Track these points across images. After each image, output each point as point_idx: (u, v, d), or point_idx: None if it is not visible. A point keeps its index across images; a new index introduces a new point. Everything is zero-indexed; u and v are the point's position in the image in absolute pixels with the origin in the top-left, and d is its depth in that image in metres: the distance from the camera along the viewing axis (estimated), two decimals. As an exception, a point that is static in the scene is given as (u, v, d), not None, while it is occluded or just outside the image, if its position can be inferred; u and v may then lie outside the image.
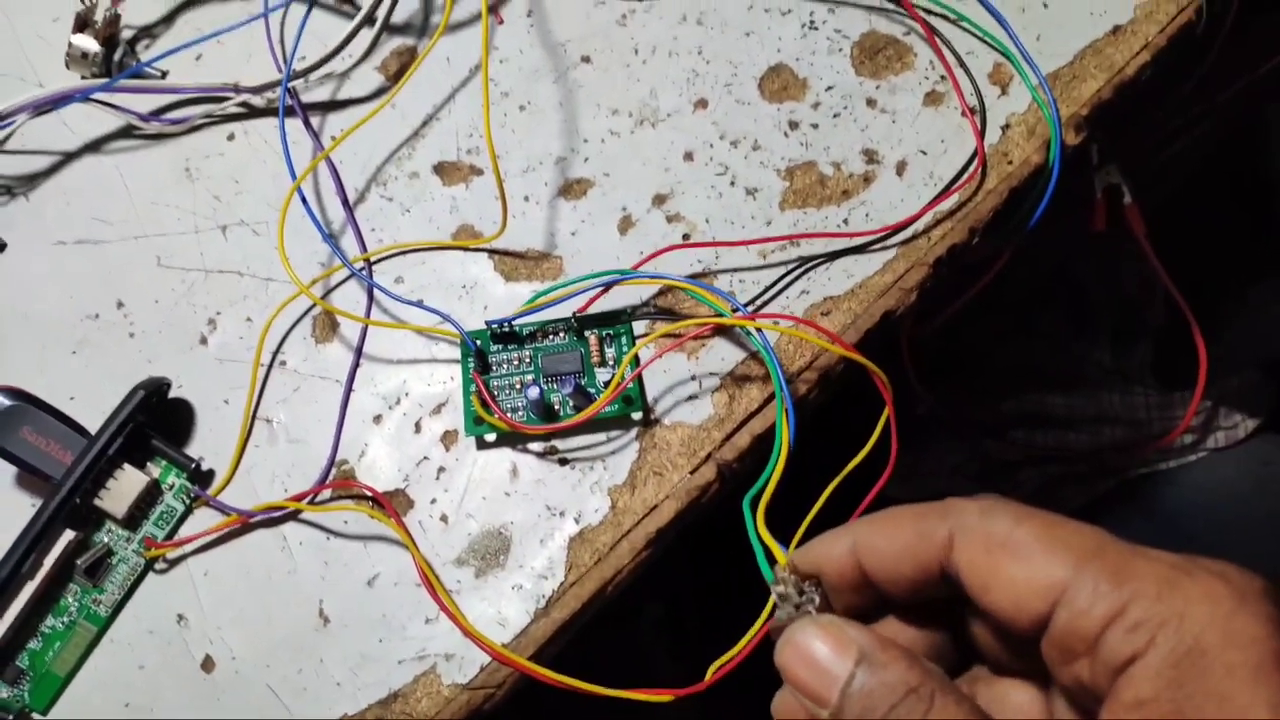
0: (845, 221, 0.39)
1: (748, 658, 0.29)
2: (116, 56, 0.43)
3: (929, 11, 0.42)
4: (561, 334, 0.38)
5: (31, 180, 0.43)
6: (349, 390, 0.38)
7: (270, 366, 0.39)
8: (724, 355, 0.37)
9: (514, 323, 0.37)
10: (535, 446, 0.37)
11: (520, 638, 0.34)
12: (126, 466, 0.36)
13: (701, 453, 0.36)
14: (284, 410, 0.38)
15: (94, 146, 0.43)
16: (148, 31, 0.46)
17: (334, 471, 0.37)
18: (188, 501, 0.37)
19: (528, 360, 0.37)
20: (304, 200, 0.40)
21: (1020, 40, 0.41)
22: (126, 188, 0.43)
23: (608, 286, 0.37)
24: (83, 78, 0.43)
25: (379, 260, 0.40)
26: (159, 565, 0.36)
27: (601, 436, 0.37)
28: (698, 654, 0.30)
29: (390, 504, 0.36)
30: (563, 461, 0.37)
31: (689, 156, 0.41)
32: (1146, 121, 0.56)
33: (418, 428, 0.38)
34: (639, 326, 0.38)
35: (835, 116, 0.41)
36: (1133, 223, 0.48)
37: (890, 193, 0.39)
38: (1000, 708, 0.24)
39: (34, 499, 0.37)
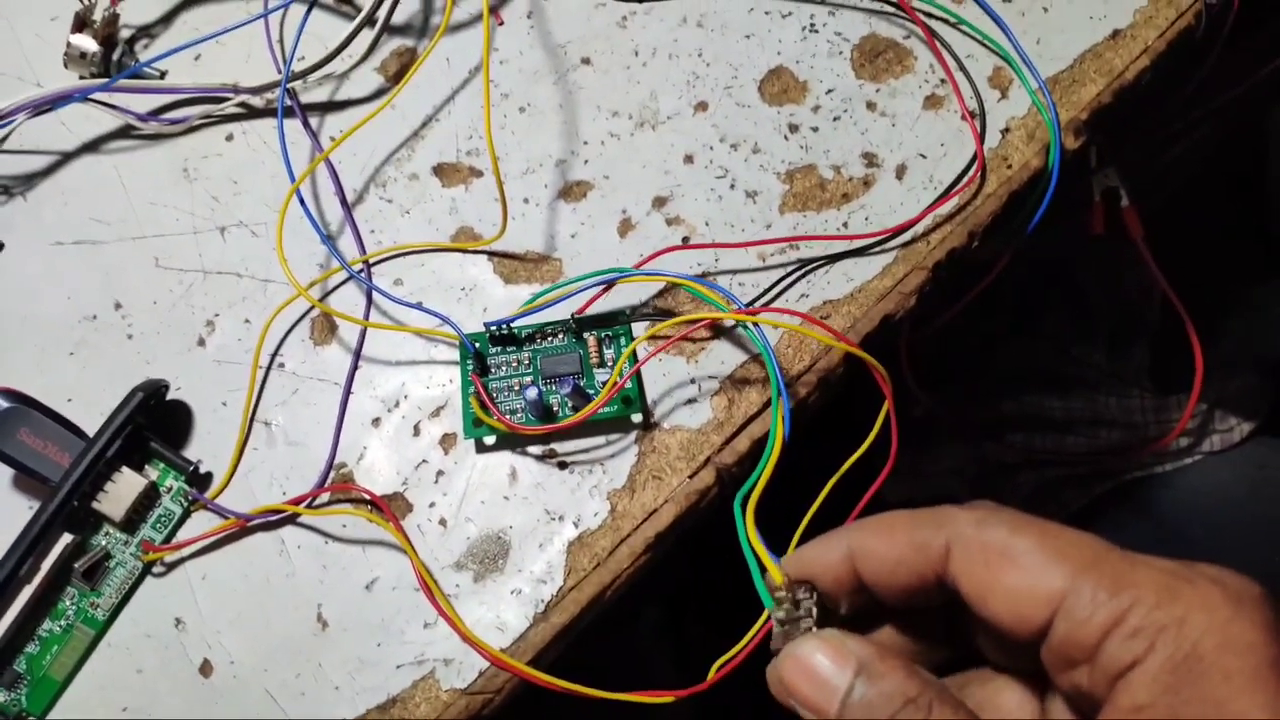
0: (845, 225, 0.39)
1: (748, 658, 0.29)
2: (115, 56, 0.43)
3: (929, 15, 0.42)
4: (560, 335, 0.38)
5: (29, 180, 0.43)
6: (347, 393, 0.38)
7: (269, 369, 0.39)
8: (723, 359, 0.37)
9: (512, 324, 0.37)
10: (534, 450, 0.37)
11: (519, 642, 0.34)
12: (124, 469, 0.36)
13: (701, 457, 0.36)
14: (282, 413, 0.38)
15: (92, 147, 0.43)
16: (146, 31, 0.45)
17: (332, 475, 0.37)
18: (186, 504, 0.37)
19: (526, 362, 0.37)
20: (303, 201, 0.40)
21: (1020, 44, 0.41)
22: (125, 188, 0.42)
23: (609, 283, 0.37)
24: (81, 77, 0.43)
25: (378, 262, 0.40)
26: (157, 569, 0.36)
27: (600, 440, 0.37)
28: (697, 657, 0.30)
29: (389, 507, 0.36)
30: (562, 465, 0.37)
31: (689, 159, 0.41)
32: (1146, 125, 0.56)
33: (416, 431, 0.37)
34: (638, 328, 0.38)
35: (835, 119, 0.41)
36: (1130, 226, 0.48)
37: (890, 196, 0.40)
38: (995, 708, 0.24)
39: (31, 501, 0.37)
